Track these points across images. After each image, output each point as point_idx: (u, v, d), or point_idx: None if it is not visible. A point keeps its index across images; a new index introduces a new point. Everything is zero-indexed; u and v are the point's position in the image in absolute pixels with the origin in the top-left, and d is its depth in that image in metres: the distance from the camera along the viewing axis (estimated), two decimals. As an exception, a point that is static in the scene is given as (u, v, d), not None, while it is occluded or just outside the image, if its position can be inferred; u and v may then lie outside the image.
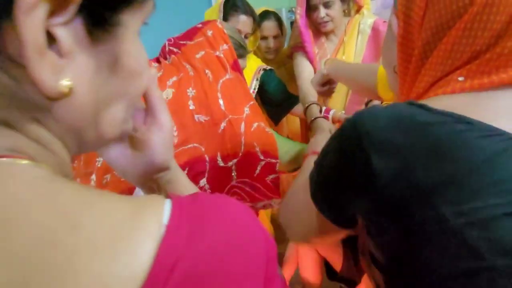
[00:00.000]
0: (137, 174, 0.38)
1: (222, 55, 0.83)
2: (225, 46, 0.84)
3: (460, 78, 0.34)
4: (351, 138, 0.35)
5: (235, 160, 0.77)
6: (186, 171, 0.72)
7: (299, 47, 1.28)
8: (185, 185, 0.41)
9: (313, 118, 1.12)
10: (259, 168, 0.80)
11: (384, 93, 0.80)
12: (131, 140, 0.36)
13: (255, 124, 0.80)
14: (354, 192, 0.36)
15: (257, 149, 0.79)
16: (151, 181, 0.39)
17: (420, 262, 0.31)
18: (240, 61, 0.91)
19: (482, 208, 0.28)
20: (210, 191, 0.75)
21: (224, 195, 0.26)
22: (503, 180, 0.28)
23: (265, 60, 1.40)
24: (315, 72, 1.26)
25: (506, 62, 0.32)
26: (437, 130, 0.31)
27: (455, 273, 0.29)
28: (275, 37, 1.37)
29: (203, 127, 0.76)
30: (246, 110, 0.81)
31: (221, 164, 0.76)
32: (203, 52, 0.83)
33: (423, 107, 0.33)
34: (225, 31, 0.86)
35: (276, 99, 1.29)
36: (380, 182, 0.32)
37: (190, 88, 0.79)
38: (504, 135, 0.29)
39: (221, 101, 0.78)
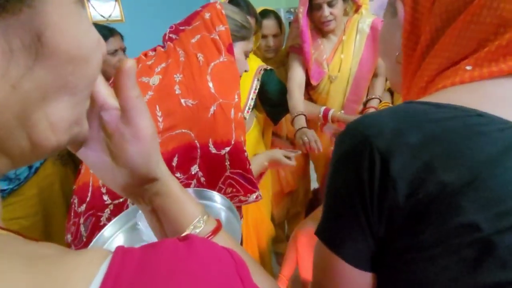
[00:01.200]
0: (117, 184, 0.31)
1: (217, 37, 0.79)
2: (221, 27, 0.80)
3: (468, 67, 0.33)
4: (359, 147, 0.31)
5: (227, 149, 0.73)
6: (176, 158, 0.70)
7: (296, 48, 1.29)
8: (177, 199, 0.34)
9: (298, 128, 1.18)
10: (247, 161, 0.77)
11: None
12: (108, 146, 0.30)
13: (240, 114, 0.77)
14: (372, 207, 0.31)
15: (242, 138, 0.76)
16: (135, 193, 0.33)
17: (443, 272, 0.28)
18: (243, 43, 0.86)
19: (510, 213, 0.26)
20: (204, 179, 0.72)
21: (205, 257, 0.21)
22: None
23: (264, 59, 1.40)
24: (307, 74, 1.28)
25: None
26: (450, 125, 0.29)
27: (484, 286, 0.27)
28: (274, 35, 1.37)
29: (192, 112, 0.72)
30: (236, 97, 0.77)
31: (214, 151, 0.73)
32: (198, 36, 0.79)
33: (428, 103, 0.32)
34: (223, 11, 0.82)
35: (276, 99, 1.29)
36: (400, 186, 0.29)
37: (178, 73, 0.76)
38: None
39: (210, 84, 0.74)
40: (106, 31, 1.20)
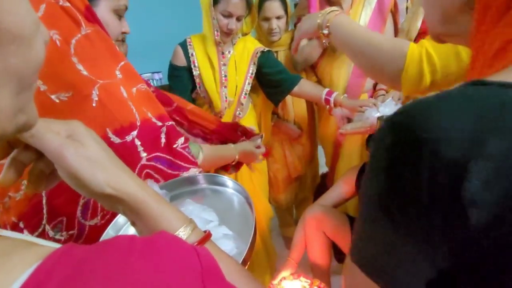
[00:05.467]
0: (86, 194, 0.33)
1: (67, 4, 0.60)
2: None
3: None
4: (413, 159, 0.23)
5: (134, 133, 0.62)
6: None
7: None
8: (150, 215, 0.33)
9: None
10: (163, 137, 0.67)
11: (410, 87, 0.61)
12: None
13: (134, 89, 0.65)
14: (435, 235, 0.23)
15: (149, 115, 0.65)
16: (109, 206, 0.34)
17: None
18: (108, 1, 0.69)
19: None
20: None
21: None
22: None
23: (269, 43, 1.37)
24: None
25: None
26: None
27: None
28: (278, 18, 1.33)
29: (70, 106, 0.58)
30: (118, 74, 0.63)
31: (117, 140, 0.60)
32: (43, 6, 0.59)
33: (504, 85, 0.23)
34: None
35: (275, 80, 1.26)
36: (479, 213, 0.21)
37: None
38: None
39: (80, 66, 0.59)
40: None
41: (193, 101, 1.25)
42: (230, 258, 0.36)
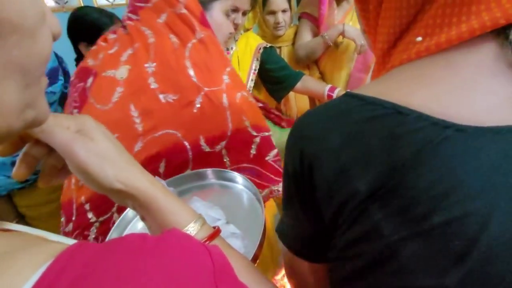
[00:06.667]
0: (95, 189, 0.33)
1: (184, 11, 0.64)
2: None
3: (418, 39, 0.27)
4: (293, 150, 0.31)
5: (223, 143, 0.64)
6: (163, 163, 0.62)
7: (308, 14, 1.28)
8: (159, 211, 0.33)
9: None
10: (254, 147, 0.67)
11: None
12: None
13: (239, 94, 0.66)
14: (306, 203, 0.31)
15: (247, 123, 0.65)
16: (118, 201, 0.34)
17: (354, 273, 0.28)
18: (220, 2, 0.71)
19: (415, 220, 0.24)
20: None
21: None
22: (430, 184, 0.24)
23: (272, 38, 1.36)
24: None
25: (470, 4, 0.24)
26: (368, 128, 0.26)
27: None
28: (283, 11, 1.32)
29: (174, 109, 0.61)
30: (225, 78, 0.65)
31: (207, 149, 0.63)
32: (164, 16, 0.64)
33: (359, 97, 0.28)
34: None
35: (278, 76, 1.26)
36: (321, 191, 0.28)
37: (149, 62, 0.62)
38: (438, 124, 0.24)
39: (191, 71, 0.62)
40: (107, 18, 1.16)
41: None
42: (239, 254, 0.36)
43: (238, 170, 0.65)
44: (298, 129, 0.31)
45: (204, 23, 0.66)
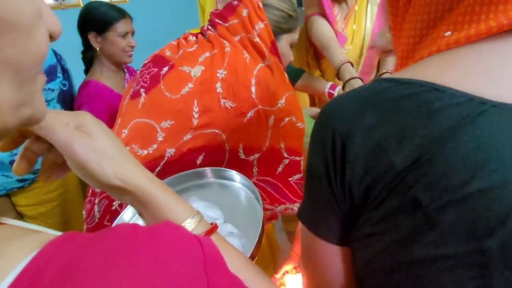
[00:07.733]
0: (91, 185, 0.33)
1: (257, 39, 0.73)
2: (261, 25, 0.73)
3: (447, 33, 0.29)
4: (323, 130, 0.32)
5: (257, 155, 0.71)
6: (202, 156, 0.68)
7: (317, 12, 1.21)
8: (158, 207, 0.33)
9: (347, 80, 1.00)
10: (281, 166, 0.74)
11: None
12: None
13: (287, 119, 0.73)
14: (337, 186, 0.32)
15: (282, 145, 0.73)
16: (116, 197, 0.35)
17: (386, 247, 0.29)
18: (289, 35, 0.79)
19: (453, 188, 0.25)
20: None
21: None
22: (469, 153, 0.25)
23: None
24: (335, 33, 1.18)
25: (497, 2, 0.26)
26: (405, 104, 0.28)
27: (428, 259, 0.27)
28: None
29: (228, 114, 0.69)
30: (281, 102, 0.72)
31: (242, 156, 0.70)
32: (238, 37, 0.74)
33: (391, 80, 0.30)
34: (261, 4, 0.74)
35: None
36: (356, 166, 0.29)
37: (222, 69, 0.70)
38: (474, 100, 0.26)
39: (253, 88, 0.69)
40: (117, 12, 1.17)
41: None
42: (237, 251, 0.36)
43: (262, 181, 0.72)
44: (328, 111, 0.33)
45: (273, 50, 0.74)
